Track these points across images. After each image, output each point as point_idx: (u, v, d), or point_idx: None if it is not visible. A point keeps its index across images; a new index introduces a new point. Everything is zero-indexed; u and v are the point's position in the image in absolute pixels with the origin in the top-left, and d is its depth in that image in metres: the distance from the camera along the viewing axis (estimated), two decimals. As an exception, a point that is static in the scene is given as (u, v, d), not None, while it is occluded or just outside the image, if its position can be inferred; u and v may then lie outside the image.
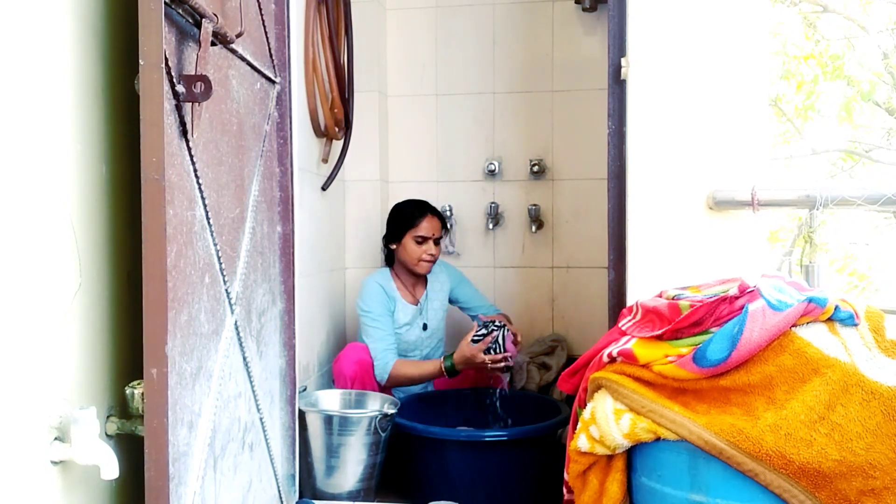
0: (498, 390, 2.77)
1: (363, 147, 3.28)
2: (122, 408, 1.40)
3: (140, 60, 1.24)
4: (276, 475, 1.96)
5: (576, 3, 3.26)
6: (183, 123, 1.36)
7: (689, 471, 1.42)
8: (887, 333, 1.47)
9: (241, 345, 1.69)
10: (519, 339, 2.73)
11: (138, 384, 1.34)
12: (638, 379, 1.52)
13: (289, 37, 2.03)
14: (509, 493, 2.40)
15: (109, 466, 1.21)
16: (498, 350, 2.62)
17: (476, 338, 2.64)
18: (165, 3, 1.25)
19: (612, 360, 1.59)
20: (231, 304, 1.62)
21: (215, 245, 1.53)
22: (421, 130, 3.45)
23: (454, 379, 2.80)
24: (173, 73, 1.32)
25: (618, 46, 2.03)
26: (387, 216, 2.97)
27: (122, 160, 1.43)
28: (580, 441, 1.55)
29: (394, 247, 2.89)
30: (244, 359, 1.71)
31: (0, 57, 1.11)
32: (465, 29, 3.39)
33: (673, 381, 1.48)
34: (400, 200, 2.98)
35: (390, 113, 3.45)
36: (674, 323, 1.53)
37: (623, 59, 1.99)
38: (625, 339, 1.62)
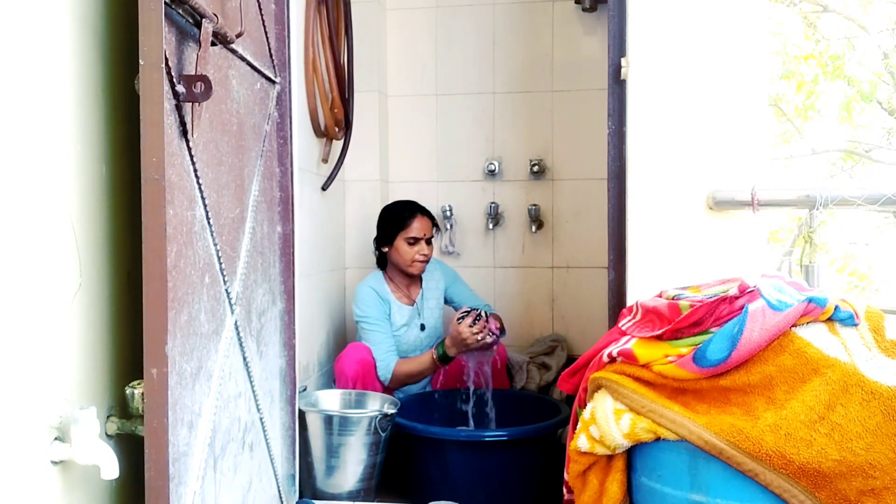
0: (476, 391, 2.76)
1: (363, 147, 3.28)
2: (122, 408, 1.40)
3: (140, 60, 1.24)
4: (276, 475, 1.96)
5: (576, 3, 3.26)
6: (183, 123, 1.36)
7: (689, 471, 1.42)
8: (887, 333, 1.47)
9: (241, 345, 1.69)
10: (500, 324, 2.74)
11: (138, 384, 1.34)
12: (638, 379, 1.52)
13: (289, 37, 2.03)
14: (509, 493, 2.40)
15: (109, 466, 1.21)
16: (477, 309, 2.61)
17: (461, 317, 2.62)
18: (165, 3, 1.25)
19: (612, 360, 1.59)
20: (231, 304, 1.62)
21: (215, 245, 1.53)
22: (421, 130, 3.45)
23: (454, 379, 2.80)
24: (173, 73, 1.32)
25: (618, 46, 2.03)
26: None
27: (122, 160, 1.43)
28: (580, 441, 1.55)
29: (386, 249, 2.88)
30: (244, 359, 1.71)
31: (0, 57, 1.11)
32: (465, 29, 3.39)
33: (673, 381, 1.48)
34: (389, 203, 2.97)
35: (390, 113, 3.45)
36: (674, 323, 1.53)
37: (623, 59, 1.99)
38: (625, 339, 1.62)
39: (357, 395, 2.56)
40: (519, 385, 3.03)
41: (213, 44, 1.48)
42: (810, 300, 1.47)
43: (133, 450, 1.38)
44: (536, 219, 3.34)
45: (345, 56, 2.98)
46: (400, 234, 2.82)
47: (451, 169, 3.44)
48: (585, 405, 1.60)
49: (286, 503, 2.05)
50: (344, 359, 2.69)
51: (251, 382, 1.76)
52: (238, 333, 1.67)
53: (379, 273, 2.93)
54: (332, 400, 2.53)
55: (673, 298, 1.61)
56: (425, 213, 2.88)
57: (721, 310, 1.51)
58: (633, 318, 1.70)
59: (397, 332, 2.86)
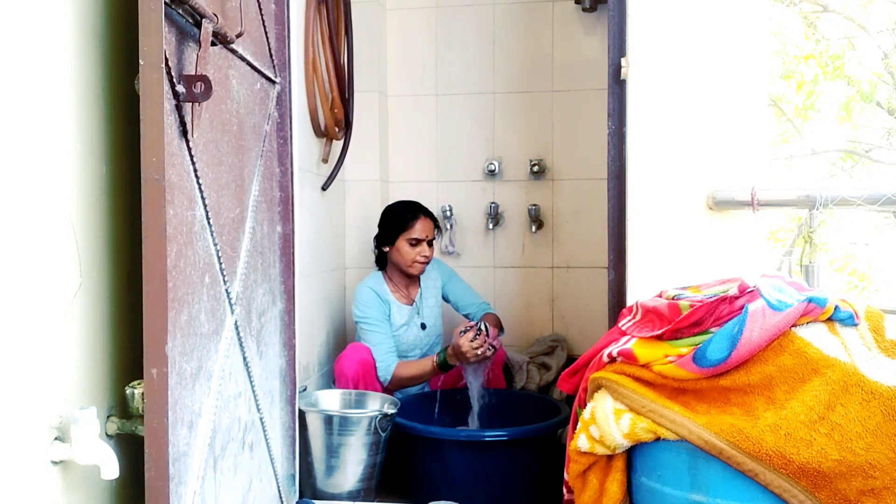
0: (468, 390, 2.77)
1: (363, 147, 3.28)
2: (122, 408, 1.40)
3: (140, 60, 1.24)
4: (276, 475, 1.96)
5: (576, 3, 3.26)
6: (183, 123, 1.36)
7: (689, 471, 1.42)
8: (887, 333, 1.47)
9: (241, 345, 1.69)
10: (499, 323, 2.80)
11: (138, 384, 1.34)
12: (638, 379, 1.52)
13: (289, 37, 2.03)
14: (509, 493, 2.40)
15: (109, 466, 1.21)
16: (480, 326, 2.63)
17: (463, 330, 2.62)
18: (165, 3, 1.25)
19: (612, 360, 1.59)
20: (231, 304, 1.62)
21: (215, 245, 1.53)
22: (421, 130, 3.45)
23: (453, 379, 2.80)
24: (173, 73, 1.32)
25: (618, 46, 2.03)
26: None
27: (122, 160, 1.43)
28: (580, 441, 1.55)
29: (386, 249, 2.88)
30: (244, 359, 1.71)
31: (0, 57, 1.11)
32: (465, 29, 3.39)
33: (673, 381, 1.48)
34: (391, 203, 2.97)
35: (390, 113, 3.45)
36: (674, 323, 1.53)
37: (623, 59, 1.99)
38: (625, 339, 1.62)
39: (357, 395, 2.56)
40: (519, 385, 3.03)
41: (213, 44, 1.48)
42: (810, 300, 1.47)
43: (133, 450, 1.38)
44: (536, 219, 3.34)
45: (345, 56, 2.98)
46: (402, 234, 2.82)
47: (451, 169, 3.44)
48: (585, 405, 1.60)
49: (286, 503, 2.05)
50: (344, 359, 2.69)
51: (251, 382, 1.76)
52: (238, 333, 1.67)
53: (378, 273, 2.93)
54: (332, 400, 2.53)
55: (673, 298, 1.61)
56: (428, 214, 2.88)
57: (721, 310, 1.51)
58: (633, 318, 1.70)
59: (397, 331, 2.86)
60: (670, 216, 1.96)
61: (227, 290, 1.60)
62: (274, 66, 1.96)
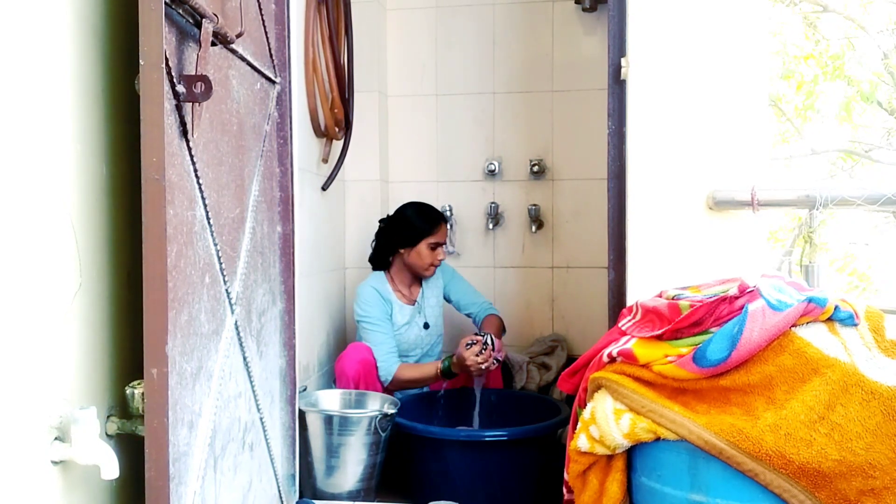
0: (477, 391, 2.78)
1: (363, 147, 3.28)
2: (122, 408, 1.40)
3: (140, 60, 1.24)
4: (276, 475, 1.96)
5: (576, 3, 3.26)
6: (183, 123, 1.36)
7: (689, 471, 1.42)
8: (887, 333, 1.47)
9: (241, 345, 1.69)
10: (501, 324, 2.82)
11: (138, 384, 1.34)
12: (638, 379, 1.52)
13: (289, 37, 2.03)
14: (509, 493, 2.40)
15: (110, 466, 1.21)
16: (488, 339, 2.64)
17: (469, 343, 2.63)
18: (166, 3, 1.25)
19: (612, 360, 1.59)
20: (231, 304, 1.62)
21: (215, 245, 1.53)
22: (421, 130, 3.45)
23: (452, 379, 2.80)
24: (173, 73, 1.32)
25: (618, 46, 2.03)
26: (392, 217, 2.93)
27: (122, 160, 1.43)
28: (580, 441, 1.55)
29: (402, 251, 2.87)
30: (244, 359, 1.71)
31: (1, 57, 1.11)
32: (465, 29, 3.39)
33: (673, 381, 1.48)
34: (405, 202, 2.95)
35: (390, 113, 3.45)
36: (674, 323, 1.53)
37: (623, 59, 1.99)
38: (625, 338, 1.62)
39: (357, 394, 2.56)
40: (519, 385, 3.03)
41: (213, 44, 1.48)
42: (810, 300, 1.47)
43: (133, 450, 1.38)
44: (536, 219, 3.34)
45: (345, 56, 2.98)
46: (426, 238, 2.82)
47: (451, 169, 3.44)
48: (585, 405, 1.60)
49: (286, 503, 2.05)
50: (345, 359, 2.69)
51: (251, 382, 1.76)
52: (238, 333, 1.67)
53: (380, 273, 2.93)
54: (332, 400, 2.53)
55: (673, 298, 1.61)
56: (445, 219, 2.92)
57: (721, 310, 1.51)
58: (633, 318, 1.70)
59: (398, 331, 2.86)
60: (670, 216, 1.96)
61: (227, 290, 1.60)
62: (274, 66, 1.96)
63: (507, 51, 3.38)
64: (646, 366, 1.52)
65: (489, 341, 2.62)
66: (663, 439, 1.44)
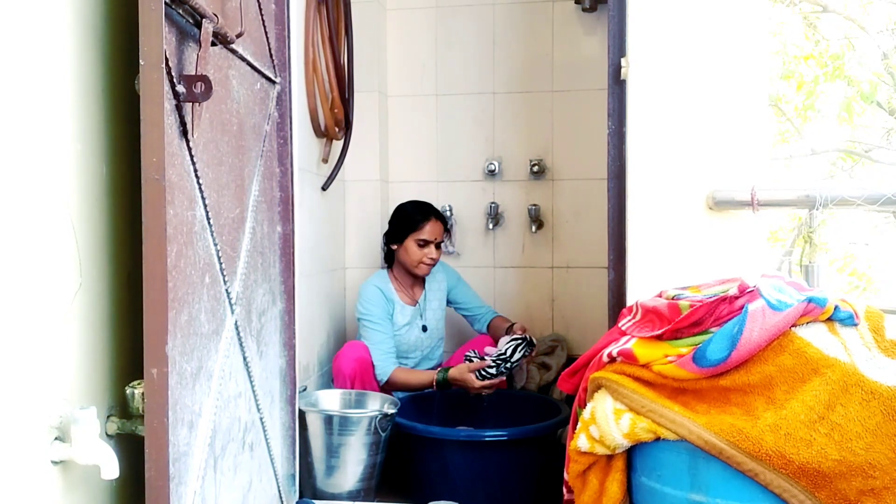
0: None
1: (363, 147, 3.28)
2: (122, 408, 1.40)
3: (140, 60, 1.24)
4: (276, 475, 1.96)
5: (576, 3, 3.26)
6: (183, 123, 1.36)
7: (689, 471, 1.42)
8: (887, 333, 1.47)
9: (241, 345, 1.69)
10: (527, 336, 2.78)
11: (138, 384, 1.34)
12: (638, 379, 1.52)
13: (289, 37, 2.03)
14: (509, 493, 2.40)
15: (110, 466, 1.21)
16: (504, 367, 2.63)
17: (486, 374, 2.62)
18: (166, 3, 1.25)
19: (612, 359, 1.59)
20: (231, 304, 1.62)
21: (215, 245, 1.53)
22: (421, 130, 3.45)
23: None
24: (173, 73, 1.32)
25: (618, 46, 2.03)
26: (387, 215, 2.96)
27: (122, 160, 1.43)
28: (580, 441, 1.55)
29: (394, 247, 2.89)
30: (244, 359, 1.71)
31: (1, 57, 1.11)
32: (465, 29, 3.39)
33: (673, 381, 1.48)
34: (404, 200, 2.97)
35: (390, 113, 3.45)
36: (674, 323, 1.53)
37: (623, 59, 1.99)
38: (625, 338, 1.62)
39: (357, 394, 2.56)
40: (519, 385, 3.03)
41: (213, 44, 1.48)
42: (810, 300, 1.47)
43: (133, 450, 1.38)
44: (536, 219, 3.34)
45: (345, 56, 2.98)
46: (411, 234, 2.82)
47: (451, 169, 3.44)
48: (585, 405, 1.60)
49: (286, 503, 2.06)
50: (341, 357, 2.69)
51: (251, 382, 1.76)
52: (238, 333, 1.67)
53: (384, 272, 2.93)
54: (332, 400, 2.53)
55: (673, 298, 1.61)
56: (439, 217, 2.89)
57: (721, 310, 1.51)
58: (633, 318, 1.70)
59: (399, 331, 2.86)
60: (670, 216, 1.96)
61: (227, 290, 1.60)
62: (274, 66, 1.96)
63: (507, 51, 3.38)
64: (646, 366, 1.52)
65: (506, 370, 2.63)
66: (663, 439, 1.44)
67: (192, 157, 1.40)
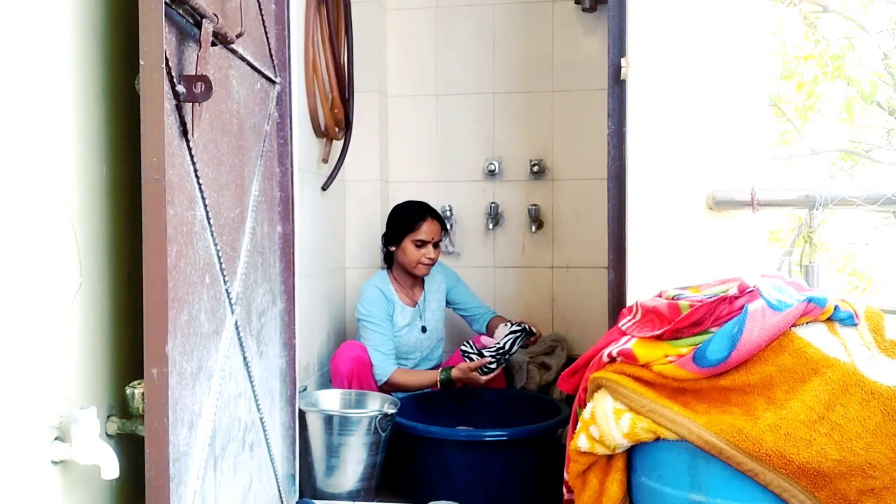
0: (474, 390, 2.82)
1: (363, 147, 3.28)
2: (122, 408, 1.40)
3: (140, 60, 1.24)
4: (276, 475, 1.96)
5: (576, 3, 3.26)
6: (183, 123, 1.36)
7: (689, 470, 1.42)
8: (887, 333, 1.47)
9: (241, 345, 1.69)
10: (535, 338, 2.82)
11: (139, 384, 1.34)
12: (638, 379, 1.52)
13: (289, 37, 2.03)
14: (509, 493, 2.40)
15: (110, 466, 1.21)
16: (504, 360, 2.68)
17: (488, 370, 2.67)
18: (166, 3, 1.25)
19: (612, 359, 1.59)
20: (231, 304, 1.62)
21: (215, 245, 1.53)
22: (421, 130, 3.45)
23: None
24: (174, 74, 1.32)
25: (618, 46, 2.03)
26: (387, 216, 2.97)
27: (122, 160, 1.43)
28: (580, 441, 1.55)
29: (393, 248, 2.89)
30: (244, 359, 1.71)
31: (1, 57, 1.11)
32: (465, 29, 3.39)
33: (673, 381, 1.48)
34: (400, 201, 2.97)
35: (390, 113, 3.45)
36: (673, 323, 1.53)
37: (623, 59, 1.99)
38: (625, 338, 1.62)
39: (357, 394, 2.56)
40: (519, 385, 3.03)
41: (213, 44, 1.48)
42: (810, 300, 1.47)
43: (133, 450, 1.38)
44: (536, 219, 3.34)
45: (345, 56, 2.98)
46: (408, 235, 2.82)
47: (451, 169, 3.44)
48: (585, 405, 1.60)
49: (286, 503, 2.06)
50: (339, 356, 2.69)
51: (251, 382, 1.76)
52: (238, 333, 1.67)
53: (384, 273, 2.93)
54: (332, 400, 2.53)
55: (673, 298, 1.61)
56: (436, 216, 2.88)
57: (721, 310, 1.51)
58: (633, 318, 1.70)
59: (398, 332, 2.86)
60: (670, 216, 1.96)
61: (227, 290, 1.60)
62: (274, 66, 1.96)
63: (507, 51, 3.38)
64: (646, 366, 1.52)
65: (502, 360, 2.67)
66: (663, 439, 1.44)
67: (192, 157, 1.40)
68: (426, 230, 2.82)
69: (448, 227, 3.37)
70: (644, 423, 1.45)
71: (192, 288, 1.40)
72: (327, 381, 2.94)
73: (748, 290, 1.52)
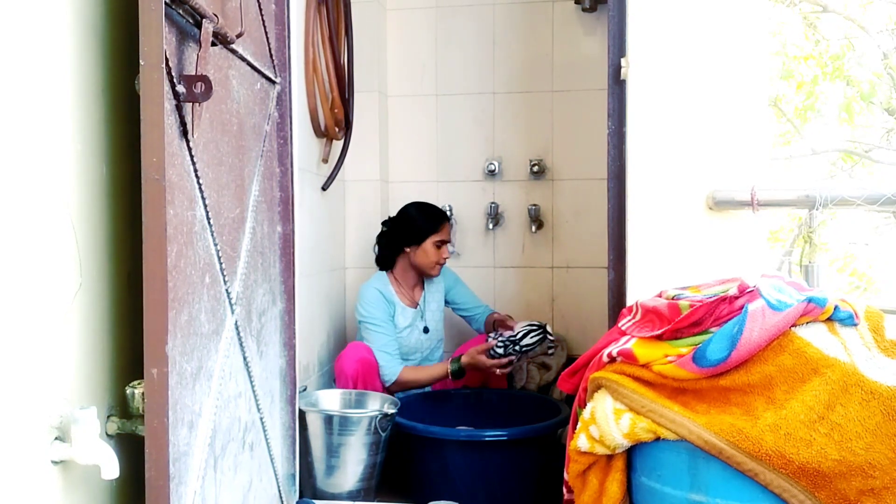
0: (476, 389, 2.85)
1: (363, 147, 3.28)
2: (122, 408, 1.40)
3: (140, 60, 1.24)
4: (276, 475, 1.96)
5: (576, 3, 3.26)
6: (183, 123, 1.36)
7: (689, 470, 1.42)
8: (887, 333, 1.47)
9: (241, 345, 1.69)
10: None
11: (139, 384, 1.34)
12: (638, 379, 1.52)
13: (289, 37, 2.03)
14: (509, 493, 2.40)
15: (110, 466, 1.21)
16: (512, 349, 2.72)
17: (494, 353, 2.70)
18: (166, 3, 1.25)
19: (612, 359, 1.59)
20: (231, 304, 1.62)
21: (216, 245, 1.53)
22: (421, 130, 3.45)
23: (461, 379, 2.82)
24: (174, 74, 1.32)
25: (618, 46, 2.03)
26: (387, 215, 2.96)
27: (122, 160, 1.43)
28: (580, 441, 1.55)
29: (408, 249, 2.86)
30: (244, 359, 1.71)
31: (1, 57, 1.11)
32: (465, 29, 3.39)
33: (673, 381, 1.48)
34: (408, 202, 2.95)
35: (390, 113, 3.45)
36: (673, 323, 1.53)
37: (623, 59, 1.99)
38: (625, 338, 1.62)
39: (357, 394, 2.56)
40: (519, 385, 3.03)
41: (213, 44, 1.48)
42: (810, 300, 1.47)
43: (133, 450, 1.38)
44: (536, 219, 3.34)
45: (345, 56, 2.98)
46: (432, 235, 2.82)
47: (451, 169, 3.44)
48: (585, 405, 1.60)
49: (286, 503, 2.06)
50: (344, 358, 2.69)
51: (251, 382, 1.76)
52: (238, 333, 1.67)
53: (382, 274, 2.92)
54: (332, 400, 2.53)
55: (673, 298, 1.61)
56: (448, 217, 2.94)
57: (721, 310, 1.51)
58: (633, 318, 1.70)
59: (400, 334, 2.85)
60: (670, 216, 1.96)
61: (227, 290, 1.60)
62: (274, 66, 1.96)
63: (507, 51, 3.38)
64: (646, 366, 1.52)
65: (546, 328, 2.75)
66: (663, 439, 1.44)
67: (192, 157, 1.40)
68: (446, 230, 2.86)
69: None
70: (644, 423, 1.45)
71: (192, 288, 1.40)
72: (327, 381, 2.94)
73: (748, 290, 1.52)
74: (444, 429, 2.48)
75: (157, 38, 1.23)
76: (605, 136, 2.06)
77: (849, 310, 1.50)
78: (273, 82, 1.96)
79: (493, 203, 3.37)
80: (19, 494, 1.14)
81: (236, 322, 1.65)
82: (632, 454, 1.54)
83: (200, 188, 1.44)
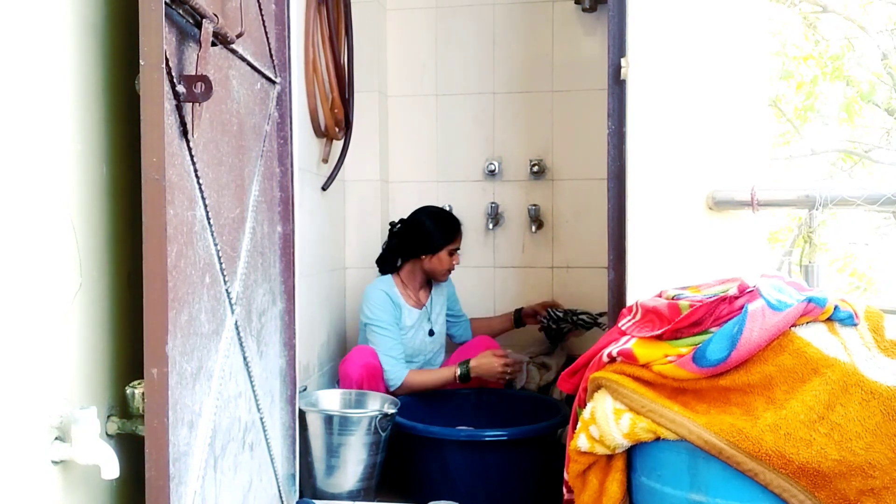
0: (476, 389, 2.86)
1: (363, 147, 3.28)
2: (122, 407, 1.40)
3: (140, 61, 1.24)
4: (276, 475, 1.96)
5: (576, 3, 3.26)
6: (183, 123, 1.36)
7: (689, 470, 1.42)
8: (887, 333, 1.47)
9: (241, 345, 1.69)
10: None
11: (139, 384, 1.34)
12: (638, 379, 1.52)
13: (289, 37, 2.03)
14: (509, 493, 2.40)
15: (110, 466, 1.21)
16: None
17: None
18: (166, 3, 1.25)
19: (612, 359, 1.59)
20: (231, 304, 1.62)
21: (216, 245, 1.53)
22: (421, 130, 3.45)
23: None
24: (174, 74, 1.32)
25: (618, 46, 2.03)
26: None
27: (122, 160, 1.43)
28: (580, 441, 1.55)
29: (424, 256, 2.84)
30: (244, 359, 1.71)
31: (1, 57, 1.11)
32: (465, 29, 3.39)
33: (673, 381, 1.48)
34: (426, 210, 2.90)
35: (390, 113, 3.45)
36: (673, 323, 1.53)
37: (623, 59, 1.99)
38: (625, 338, 1.62)
39: (357, 394, 2.55)
40: (519, 385, 3.03)
41: (213, 44, 1.48)
42: (810, 300, 1.47)
43: (133, 450, 1.38)
44: (536, 219, 3.34)
45: (345, 56, 2.98)
46: (449, 244, 2.82)
47: (451, 169, 3.44)
48: (585, 405, 1.60)
49: (286, 503, 2.06)
50: (349, 362, 2.66)
51: (251, 382, 1.76)
52: (238, 333, 1.67)
53: (388, 277, 2.89)
54: (332, 400, 2.53)
55: (673, 298, 1.61)
56: (461, 226, 2.95)
57: (721, 310, 1.51)
58: (633, 318, 1.70)
59: (405, 335, 2.84)
60: (670, 216, 1.96)
61: (227, 290, 1.60)
62: (274, 66, 1.96)
63: (507, 51, 3.38)
64: (646, 366, 1.52)
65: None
66: (663, 439, 1.44)
67: (192, 157, 1.40)
68: (460, 238, 2.87)
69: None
70: (644, 423, 1.45)
71: (192, 288, 1.40)
72: (327, 381, 2.94)
73: (748, 290, 1.52)
74: (444, 429, 2.48)
75: (157, 38, 1.23)
76: (605, 136, 2.06)
77: (849, 310, 1.50)
78: (273, 82, 1.96)
79: (493, 203, 3.37)
80: (19, 494, 1.14)
81: (236, 322, 1.65)
82: (632, 454, 1.54)
83: (200, 188, 1.44)
